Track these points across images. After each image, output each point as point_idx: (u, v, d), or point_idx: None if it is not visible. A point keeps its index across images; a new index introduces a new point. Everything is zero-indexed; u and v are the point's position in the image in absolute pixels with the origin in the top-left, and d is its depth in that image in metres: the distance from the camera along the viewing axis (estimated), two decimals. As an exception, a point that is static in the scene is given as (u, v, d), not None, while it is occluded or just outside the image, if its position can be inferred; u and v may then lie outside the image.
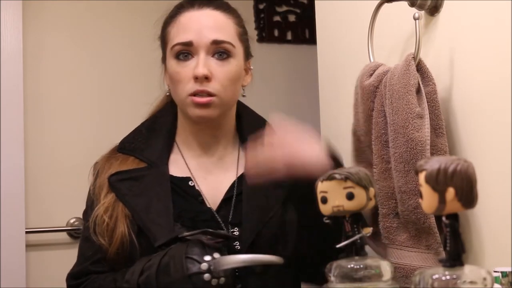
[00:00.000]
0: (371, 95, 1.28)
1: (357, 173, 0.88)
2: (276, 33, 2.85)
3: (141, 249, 1.29)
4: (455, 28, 1.21)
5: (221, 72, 1.31)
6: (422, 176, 0.77)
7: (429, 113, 1.17)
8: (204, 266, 1.12)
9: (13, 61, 2.33)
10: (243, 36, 1.38)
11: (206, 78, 1.30)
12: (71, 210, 2.37)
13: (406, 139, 1.16)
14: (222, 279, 1.12)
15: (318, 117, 1.71)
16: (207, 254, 1.13)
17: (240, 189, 1.36)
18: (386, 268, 0.87)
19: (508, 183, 1.06)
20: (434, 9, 1.24)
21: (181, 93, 1.33)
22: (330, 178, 0.88)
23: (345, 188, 0.87)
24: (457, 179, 0.75)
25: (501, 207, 1.07)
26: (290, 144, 1.18)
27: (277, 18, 2.88)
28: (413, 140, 1.15)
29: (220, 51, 1.32)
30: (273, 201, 1.33)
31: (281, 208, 1.33)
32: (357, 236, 0.88)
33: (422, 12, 1.24)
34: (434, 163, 0.76)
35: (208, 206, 1.35)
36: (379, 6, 1.33)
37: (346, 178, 0.87)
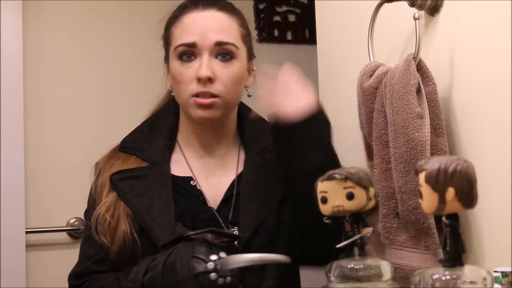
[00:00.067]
0: (371, 96, 1.28)
1: (357, 173, 0.88)
2: (276, 33, 2.85)
3: (143, 248, 1.29)
4: (455, 28, 1.21)
5: (224, 74, 1.31)
6: (422, 176, 0.77)
7: (429, 113, 1.17)
8: (210, 265, 1.12)
9: (13, 61, 2.33)
10: (247, 38, 1.38)
11: (209, 80, 1.30)
12: (71, 210, 2.37)
13: (407, 139, 1.16)
14: (228, 278, 1.13)
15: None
16: (213, 253, 1.14)
17: (239, 188, 1.36)
18: (386, 268, 0.87)
19: (508, 183, 1.06)
20: (434, 9, 1.24)
21: (184, 94, 1.33)
22: (330, 178, 0.88)
23: (345, 188, 0.87)
24: (457, 179, 0.75)
25: (501, 207, 1.07)
26: (289, 85, 1.25)
27: (277, 18, 2.88)
28: (413, 140, 1.15)
29: (223, 52, 1.32)
30: (271, 198, 1.34)
31: (278, 205, 1.33)
32: (357, 236, 0.88)
33: (422, 12, 1.24)
34: (434, 163, 0.76)
35: (209, 205, 1.35)
36: (379, 6, 1.33)
37: (346, 178, 0.87)
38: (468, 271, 0.76)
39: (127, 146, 1.41)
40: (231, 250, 1.19)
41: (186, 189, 1.36)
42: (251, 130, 1.44)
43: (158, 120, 1.45)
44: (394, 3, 1.29)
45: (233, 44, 1.33)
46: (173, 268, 1.15)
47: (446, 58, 1.22)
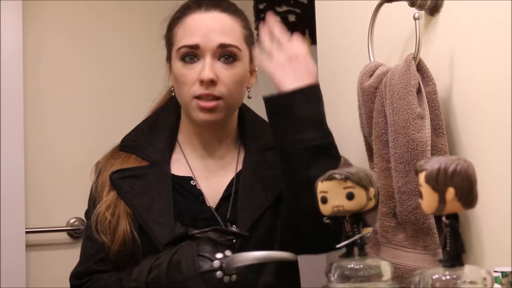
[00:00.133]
0: (371, 96, 1.28)
1: (357, 173, 0.88)
2: (276, 33, 2.85)
3: (143, 247, 1.29)
4: (455, 28, 1.21)
5: (227, 76, 1.31)
6: (422, 176, 0.77)
7: (429, 113, 1.17)
8: (216, 263, 1.12)
9: (13, 61, 2.33)
10: (249, 39, 1.38)
11: (212, 82, 1.30)
12: (71, 210, 2.37)
13: (407, 139, 1.16)
14: (234, 277, 1.13)
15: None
16: (218, 251, 1.14)
17: (238, 186, 1.36)
18: (386, 268, 0.87)
19: (508, 183, 1.06)
20: (434, 9, 1.24)
21: (186, 96, 1.33)
22: (330, 178, 0.88)
23: (345, 188, 0.87)
24: (457, 179, 0.75)
25: (501, 207, 1.07)
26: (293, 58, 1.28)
27: (277, 18, 2.87)
28: (414, 140, 1.15)
29: (226, 54, 1.32)
30: (270, 195, 1.34)
31: (276, 202, 1.33)
32: (357, 236, 0.88)
33: (422, 12, 1.24)
34: (434, 163, 0.76)
35: (208, 205, 1.35)
36: (379, 6, 1.33)
37: (346, 178, 0.87)
38: (468, 271, 0.76)
39: (128, 145, 1.41)
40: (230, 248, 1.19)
41: (186, 188, 1.36)
42: (251, 130, 1.44)
43: (159, 119, 1.45)
44: (394, 3, 1.29)
45: (236, 47, 1.33)
46: (178, 267, 1.15)
47: (446, 58, 1.22)
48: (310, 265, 1.48)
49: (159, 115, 1.45)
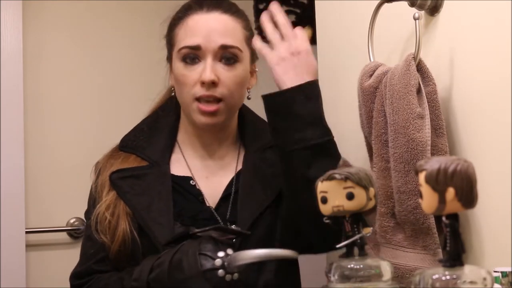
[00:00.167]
0: (371, 96, 1.28)
1: (357, 173, 0.88)
2: (276, 33, 2.85)
3: (143, 247, 1.29)
4: (455, 28, 1.21)
5: (228, 77, 1.31)
6: (422, 176, 0.77)
7: (429, 113, 1.17)
8: (218, 262, 1.12)
9: (13, 61, 2.33)
10: (250, 40, 1.38)
11: (213, 83, 1.30)
12: (71, 210, 2.37)
13: (407, 139, 1.16)
14: (236, 275, 1.13)
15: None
16: (220, 250, 1.14)
17: (237, 186, 1.36)
18: (386, 268, 0.87)
19: (508, 183, 1.06)
20: (434, 9, 1.24)
21: (187, 97, 1.33)
22: (330, 178, 0.88)
23: (345, 188, 0.87)
24: (457, 179, 0.75)
25: (501, 207, 1.07)
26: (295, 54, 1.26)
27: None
28: (414, 140, 1.15)
29: (227, 56, 1.32)
30: (270, 194, 1.34)
31: (276, 201, 1.33)
32: (357, 236, 0.88)
33: (422, 12, 1.24)
34: (434, 163, 0.76)
35: (208, 205, 1.35)
36: (379, 6, 1.33)
37: (346, 178, 0.87)
38: (468, 271, 0.76)
39: (127, 144, 1.41)
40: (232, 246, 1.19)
41: (185, 188, 1.36)
42: (251, 130, 1.44)
43: (158, 118, 1.45)
44: (394, 3, 1.29)
45: (237, 48, 1.33)
46: (180, 266, 1.15)
47: (446, 58, 1.22)
48: (310, 265, 1.48)
49: (159, 114, 1.45)
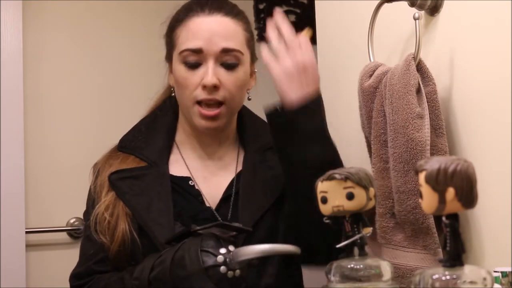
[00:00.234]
0: (371, 96, 1.28)
1: (357, 173, 0.88)
2: (276, 33, 2.85)
3: (143, 247, 1.29)
4: (455, 28, 1.21)
5: (229, 81, 1.31)
6: (422, 176, 0.77)
7: (429, 113, 1.17)
8: (220, 258, 1.12)
9: (13, 61, 2.33)
10: (251, 42, 1.38)
11: (215, 87, 1.30)
12: (71, 210, 2.37)
13: (406, 139, 1.16)
14: (238, 272, 1.12)
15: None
16: (222, 247, 1.14)
17: (238, 187, 1.36)
18: (386, 268, 0.87)
19: (508, 183, 1.06)
20: (434, 9, 1.24)
21: (188, 100, 1.32)
22: (330, 178, 0.88)
23: (345, 188, 0.87)
24: (457, 179, 0.75)
25: (501, 207, 1.07)
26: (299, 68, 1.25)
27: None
28: (413, 140, 1.15)
29: (229, 59, 1.32)
30: (271, 195, 1.34)
31: (277, 203, 1.33)
32: (357, 236, 0.88)
33: (422, 12, 1.24)
34: (434, 163, 0.76)
35: (208, 205, 1.35)
36: (379, 6, 1.33)
37: (346, 178, 0.87)
38: (468, 271, 0.76)
39: (126, 145, 1.41)
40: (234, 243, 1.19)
41: (184, 189, 1.36)
42: (250, 131, 1.44)
43: (156, 118, 1.45)
44: (394, 3, 1.29)
45: (238, 51, 1.33)
46: (181, 263, 1.14)
47: (446, 58, 1.22)
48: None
49: (157, 114, 1.45)
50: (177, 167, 1.39)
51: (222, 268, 1.11)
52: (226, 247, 1.13)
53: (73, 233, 2.45)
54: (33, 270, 2.36)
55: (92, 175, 1.41)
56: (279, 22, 1.30)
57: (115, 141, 1.44)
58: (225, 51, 1.31)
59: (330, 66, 1.64)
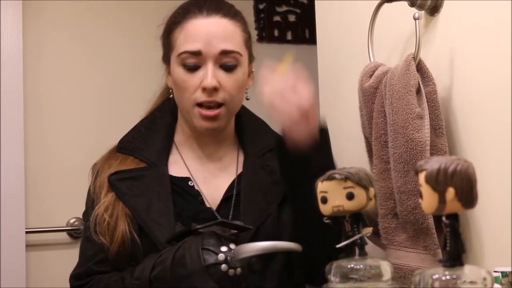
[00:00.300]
0: (372, 96, 1.28)
1: (357, 173, 0.88)
2: (276, 33, 2.85)
3: (143, 248, 1.29)
4: (455, 28, 1.21)
5: (228, 82, 1.31)
6: (422, 176, 0.77)
7: (429, 113, 1.17)
8: (221, 256, 1.12)
9: (13, 61, 2.33)
10: (248, 42, 1.38)
11: (215, 89, 1.30)
12: (71, 210, 2.37)
13: (406, 139, 1.16)
14: (239, 270, 1.12)
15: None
16: (223, 245, 1.13)
17: (239, 188, 1.36)
18: (386, 268, 0.87)
19: (508, 183, 1.06)
20: (434, 9, 1.24)
21: (187, 102, 1.32)
22: (330, 178, 0.88)
23: (345, 188, 0.87)
24: (457, 179, 0.75)
25: (501, 207, 1.07)
26: (300, 104, 1.19)
27: (277, 18, 2.88)
28: (413, 140, 1.15)
29: (228, 61, 1.31)
30: (271, 199, 1.34)
31: (278, 207, 1.33)
32: (357, 236, 0.88)
33: (422, 12, 1.24)
34: (434, 163, 0.76)
35: (208, 206, 1.35)
36: (379, 6, 1.33)
37: (346, 178, 0.87)
38: (468, 271, 0.76)
39: (125, 146, 1.41)
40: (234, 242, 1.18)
41: (184, 189, 1.36)
42: (250, 131, 1.44)
43: (155, 119, 1.44)
44: (394, 3, 1.29)
45: (237, 52, 1.33)
46: (182, 262, 1.14)
47: (446, 58, 1.22)
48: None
49: (156, 115, 1.45)
50: (176, 168, 1.39)
51: (223, 266, 1.11)
52: (227, 245, 1.13)
53: (73, 233, 2.45)
54: (33, 270, 2.36)
55: (91, 176, 1.41)
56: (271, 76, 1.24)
57: (115, 141, 1.44)
58: (224, 53, 1.31)
59: (330, 66, 1.65)
